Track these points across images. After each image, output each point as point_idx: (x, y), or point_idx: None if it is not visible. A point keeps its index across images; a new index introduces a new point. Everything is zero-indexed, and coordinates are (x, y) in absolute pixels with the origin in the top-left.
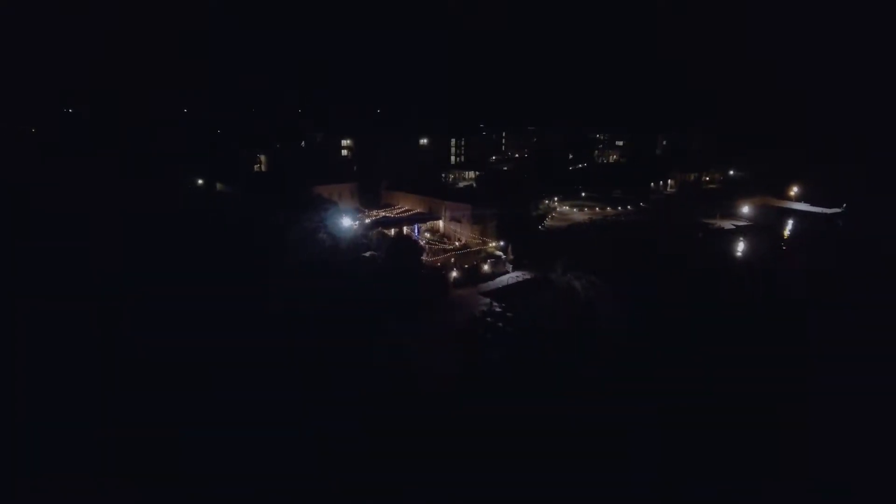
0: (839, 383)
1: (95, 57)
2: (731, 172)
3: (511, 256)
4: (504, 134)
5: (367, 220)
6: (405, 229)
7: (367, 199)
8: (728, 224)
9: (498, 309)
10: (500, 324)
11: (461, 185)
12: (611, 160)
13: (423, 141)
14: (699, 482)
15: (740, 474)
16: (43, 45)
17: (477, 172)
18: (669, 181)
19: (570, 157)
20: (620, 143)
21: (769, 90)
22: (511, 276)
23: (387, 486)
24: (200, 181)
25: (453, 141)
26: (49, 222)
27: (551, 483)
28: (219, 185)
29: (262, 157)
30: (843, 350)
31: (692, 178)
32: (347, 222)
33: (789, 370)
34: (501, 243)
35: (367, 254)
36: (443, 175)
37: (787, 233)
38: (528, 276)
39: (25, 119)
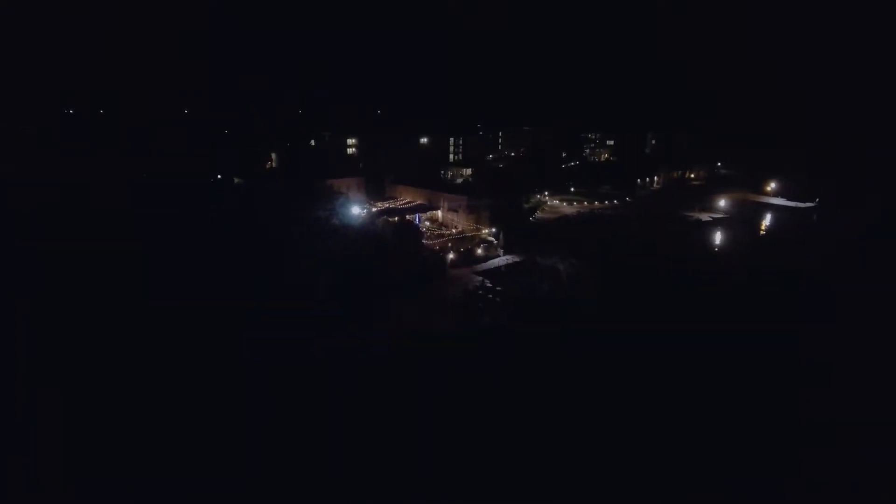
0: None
1: (95, 57)
2: (716, 170)
3: (502, 242)
4: (501, 134)
5: (374, 210)
6: (407, 217)
7: (373, 191)
8: (705, 216)
9: (489, 285)
10: (490, 296)
11: (459, 181)
12: (602, 158)
13: (424, 140)
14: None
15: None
16: (43, 44)
17: (473, 169)
18: (656, 178)
19: (564, 155)
20: (611, 143)
21: (758, 91)
22: (502, 259)
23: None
24: (219, 176)
25: (452, 140)
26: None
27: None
28: (236, 180)
29: (273, 156)
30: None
31: (678, 175)
32: (356, 211)
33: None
34: (494, 230)
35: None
36: (442, 172)
37: (761, 224)
38: (517, 259)
39: (29, 119)
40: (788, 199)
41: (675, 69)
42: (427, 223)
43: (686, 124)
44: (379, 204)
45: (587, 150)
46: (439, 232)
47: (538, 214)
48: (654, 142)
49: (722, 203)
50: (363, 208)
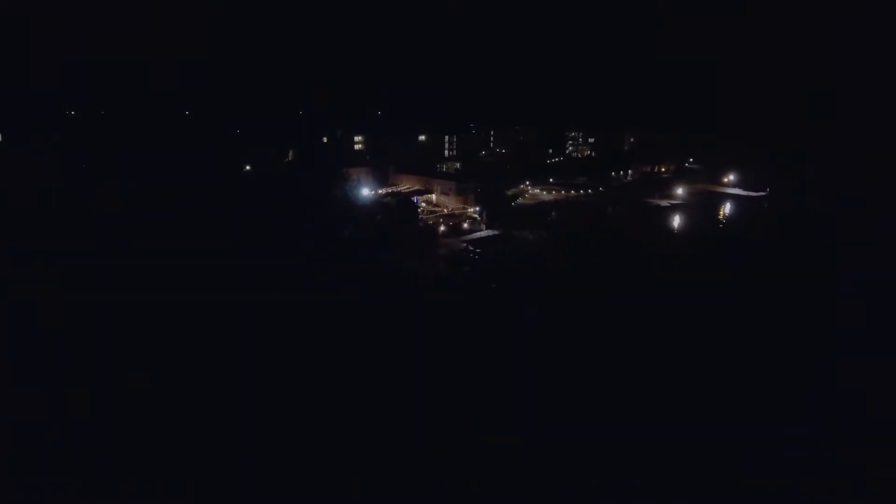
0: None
1: (98, 57)
2: (687, 164)
3: (485, 219)
4: (492, 132)
5: (380, 192)
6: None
7: (378, 179)
8: (664, 202)
9: (472, 248)
10: (472, 255)
11: (452, 172)
12: (583, 155)
13: (422, 138)
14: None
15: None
16: (44, 44)
17: (462, 163)
18: (630, 171)
19: (550, 151)
20: (592, 140)
21: (731, 91)
22: (484, 233)
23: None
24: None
25: (447, 138)
26: None
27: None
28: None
29: (290, 152)
30: None
31: (649, 169)
32: (366, 192)
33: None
34: (478, 209)
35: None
36: (437, 166)
37: (718, 210)
38: (497, 232)
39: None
40: (743, 189)
41: (658, 71)
42: (423, 204)
43: (662, 123)
44: (383, 189)
45: (570, 147)
46: (433, 210)
47: (519, 201)
48: (632, 140)
49: (680, 191)
50: (371, 191)
